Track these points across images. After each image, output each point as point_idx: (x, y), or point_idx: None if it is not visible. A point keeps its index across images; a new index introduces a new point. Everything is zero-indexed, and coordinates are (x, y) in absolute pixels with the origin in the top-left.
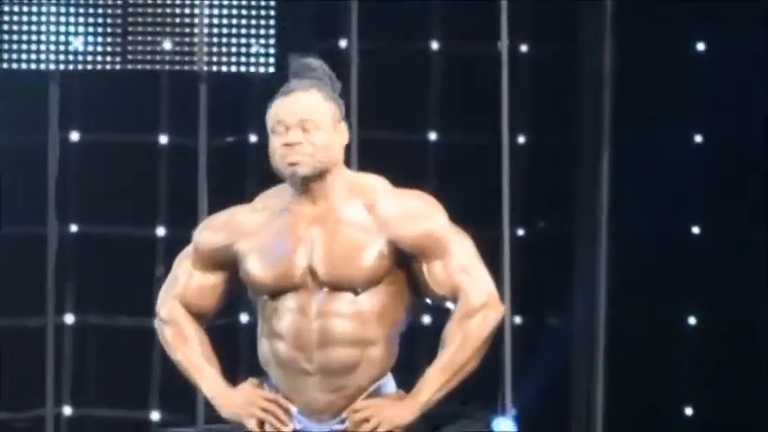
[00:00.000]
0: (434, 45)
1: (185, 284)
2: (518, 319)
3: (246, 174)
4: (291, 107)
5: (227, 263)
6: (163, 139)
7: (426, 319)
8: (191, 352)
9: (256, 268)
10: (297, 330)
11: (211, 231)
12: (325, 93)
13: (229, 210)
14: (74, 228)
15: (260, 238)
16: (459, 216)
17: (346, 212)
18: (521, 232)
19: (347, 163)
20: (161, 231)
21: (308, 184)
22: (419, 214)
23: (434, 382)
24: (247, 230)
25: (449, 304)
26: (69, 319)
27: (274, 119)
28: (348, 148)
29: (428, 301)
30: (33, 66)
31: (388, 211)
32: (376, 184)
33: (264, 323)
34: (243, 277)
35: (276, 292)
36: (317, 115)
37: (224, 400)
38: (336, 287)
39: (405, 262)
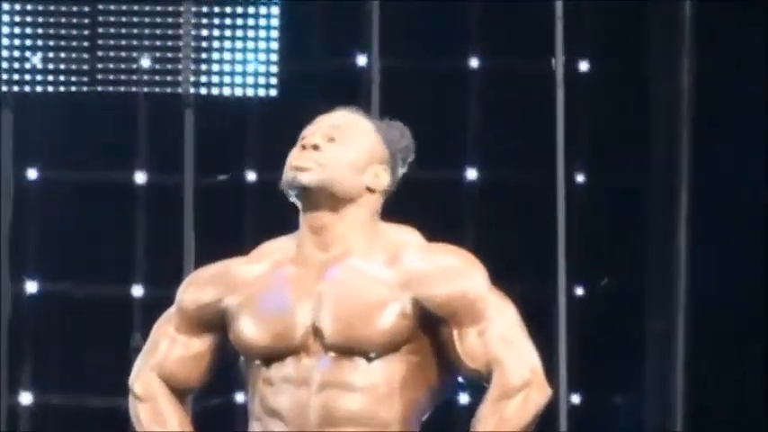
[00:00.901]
0: (473, 62)
1: (166, 352)
2: (576, 398)
3: (243, 219)
4: (327, 121)
5: (214, 323)
6: (140, 178)
7: (464, 399)
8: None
9: (248, 325)
10: (294, 406)
11: (197, 287)
12: (382, 132)
13: (221, 262)
14: (31, 287)
15: (255, 290)
16: (502, 271)
17: (364, 262)
18: (579, 291)
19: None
20: (138, 291)
21: (321, 223)
22: (453, 271)
23: None
24: (240, 283)
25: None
26: (26, 398)
27: (302, 133)
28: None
29: (459, 378)
30: None
31: (416, 266)
32: (406, 236)
33: (256, 398)
34: (232, 339)
35: (271, 357)
36: (350, 129)
37: None
38: (345, 351)
39: (432, 328)
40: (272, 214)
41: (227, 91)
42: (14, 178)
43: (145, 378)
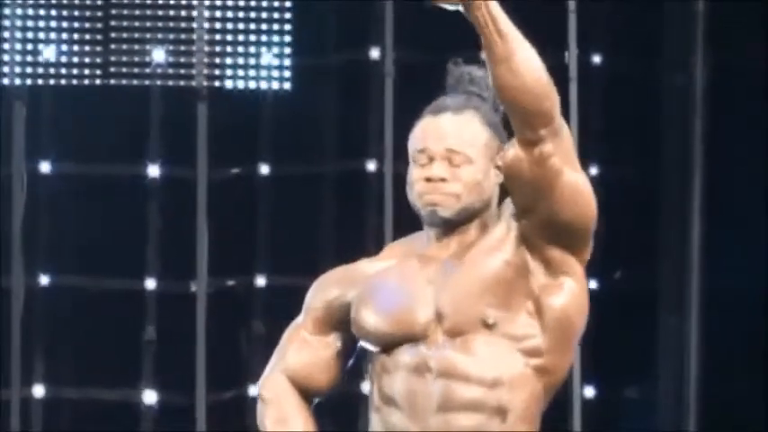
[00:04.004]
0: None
1: (295, 355)
2: (589, 392)
3: (257, 213)
4: (438, 132)
5: (343, 321)
6: (153, 171)
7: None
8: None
9: (369, 313)
10: (410, 393)
11: (324, 287)
12: (483, 115)
13: (338, 267)
14: (44, 280)
15: (376, 281)
16: None
17: (489, 246)
18: (593, 285)
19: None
20: (151, 284)
21: (452, 229)
22: None
23: None
24: (362, 277)
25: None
26: (39, 391)
27: (416, 145)
28: (381, 177)
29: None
30: None
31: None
32: None
33: (374, 387)
34: (354, 329)
35: (390, 345)
36: (470, 146)
37: None
38: (465, 329)
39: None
40: (285, 207)
41: (240, 84)
42: (27, 172)
43: (273, 380)
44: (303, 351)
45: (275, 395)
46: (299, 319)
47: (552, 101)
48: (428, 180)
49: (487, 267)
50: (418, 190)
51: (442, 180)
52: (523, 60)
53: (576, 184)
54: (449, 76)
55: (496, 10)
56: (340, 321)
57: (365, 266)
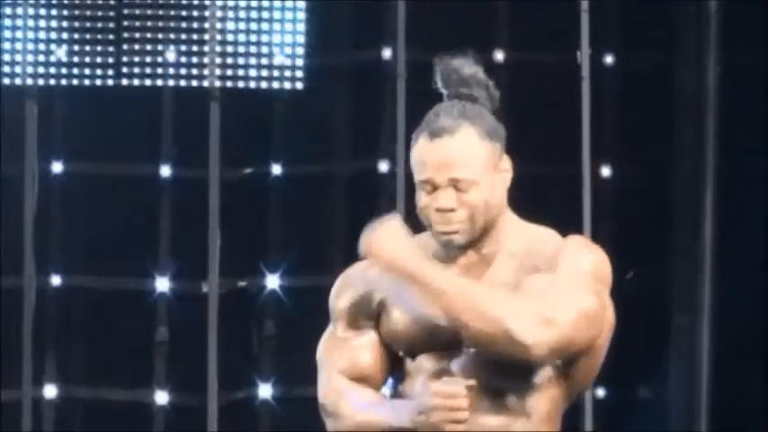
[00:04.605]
0: (499, 55)
1: (339, 359)
2: (601, 392)
3: (269, 213)
4: (439, 162)
5: (371, 316)
6: (165, 171)
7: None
8: (363, 409)
9: (400, 317)
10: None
11: (346, 287)
12: (480, 127)
13: (356, 265)
14: (56, 280)
15: (402, 287)
16: None
17: (511, 262)
18: None
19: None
20: (163, 284)
21: (470, 243)
22: (572, 251)
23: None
24: (387, 277)
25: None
26: (51, 391)
27: (418, 174)
28: (393, 178)
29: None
30: (6, 80)
31: (539, 248)
32: (537, 226)
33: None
34: (384, 332)
35: (416, 348)
36: (472, 169)
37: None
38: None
39: None
40: (297, 207)
41: (252, 84)
42: (39, 172)
43: (330, 389)
44: (345, 352)
45: (337, 398)
46: (330, 327)
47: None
48: (439, 210)
49: (505, 286)
50: (429, 219)
51: (452, 210)
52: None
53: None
54: (437, 75)
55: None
56: (370, 317)
57: (375, 268)
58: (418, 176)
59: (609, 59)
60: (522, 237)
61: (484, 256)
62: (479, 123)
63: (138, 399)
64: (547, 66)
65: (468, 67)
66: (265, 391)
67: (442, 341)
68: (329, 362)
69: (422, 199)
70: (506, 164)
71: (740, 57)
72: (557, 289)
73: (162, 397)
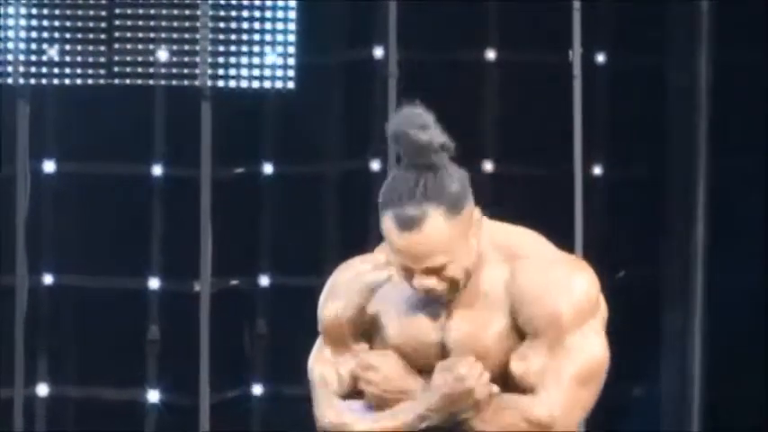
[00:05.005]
0: (491, 54)
1: (333, 381)
2: None
3: (260, 211)
4: (413, 254)
5: (364, 333)
6: (157, 170)
7: None
8: (372, 417)
9: (392, 336)
10: None
11: (335, 297)
12: (444, 205)
13: (348, 267)
14: (48, 279)
15: (394, 299)
16: None
17: (486, 280)
18: None
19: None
20: (154, 283)
21: None
22: (553, 288)
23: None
24: (378, 290)
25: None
26: (43, 390)
27: (393, 255)
28: (385, 177)
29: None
30: None
31: (524, 285)
32: (525, 242)
33: None
34: (377, 348)
35: (412, 365)
36: (446, 254)
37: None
38: None
39: None
40: (288, 206)
41: (244, 83)
42: (31, 171)
43: (331, 410)
44: (335, 375)
45: (345, 422)
46: (319, 340)
47: None
48: (426, 293)
49: (484, 332)
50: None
51: (437, 293)
52: None
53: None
54: (394, 144)
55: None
56: (359, 336)
57: (374, 276)
58: (392, 256)
59: (600, 58)
60: (497, 245)
61: (467, 293)
62: (443, 200)
63: (130, 398)
64: (538, 65)
65: (422, 133)
66: (257, 389)
67: (427, 362)
68: (322, 383)
69: (401, 273)
70: (476, 215)
71: (732, 56)
72: (550, 366)
73: (154, 396)
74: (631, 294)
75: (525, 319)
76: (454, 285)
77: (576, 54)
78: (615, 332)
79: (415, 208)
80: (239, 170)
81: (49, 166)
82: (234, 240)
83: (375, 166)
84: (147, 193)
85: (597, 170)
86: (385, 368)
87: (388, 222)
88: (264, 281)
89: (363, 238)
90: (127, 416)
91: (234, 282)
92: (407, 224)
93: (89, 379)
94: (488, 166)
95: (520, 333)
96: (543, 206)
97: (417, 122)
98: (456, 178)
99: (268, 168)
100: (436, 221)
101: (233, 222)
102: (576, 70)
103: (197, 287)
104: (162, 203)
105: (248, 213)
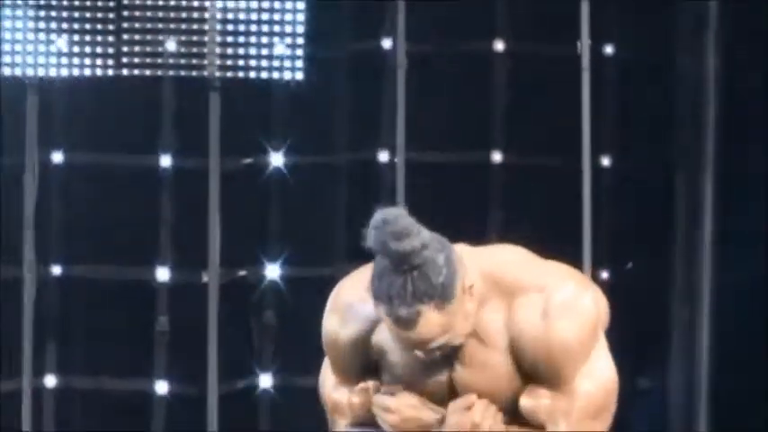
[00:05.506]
0: (499, 45)
1: (351, 408)
2: None
3: (269, 203)
4: (412, 344)
5: (371, 363)
6: (165, 161)
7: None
8: None
9: (402, 374)
10: None
11: (343, 320)
12: (436, 299)
13: (351, 288)
14: (56, 270)
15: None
16: None
17: (486, 319)
18: (605, 275)
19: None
20: (163, 275)
21: None
22: (553, 327)
23: None
24: (381, 323)
25: None
26: (51, 381)
27: (398, 343)
28: (393, 168)
29: None
30: (7, 70)
31: (524, 328)
32: (517, 273)
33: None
34: (383, 377)
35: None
36: (444, 337)
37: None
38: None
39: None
40: (296, 197)
41: (252, 74)
42: (39, 162)
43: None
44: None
45: None
46: (325, 362)
47: None
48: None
49: (491, 374)
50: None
51: (437, 359)
52: None
53: None
54: (382, 257)
55: None
56: (366, 367)
57: (360, 305)
58: (394, 338)
59: (609, 50)
60: (486, 277)
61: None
62: (433, 295)
63: (139, 388)
64: (547, 56)
65: (404, 242)
66: (265, 380)
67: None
68: (335, 410)
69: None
70: (468, 282)
71: (741, 47)
72: (560, 405)
73: (162, 387)
74: (640, 285)
75: (528, 360)
76: (459, 340)
77: (584, 45)
78: (623, 323)
79: (406, 309)
80: (248, 161)
81: (57, 157)
82: (242, 231)
83: (383, 156)
84: (155, 183)
85: (605, 161)
86: (403, 410)
87: (383, 314)
88: (273, 272)
89: None
90: (135, 407)
91: (242, 272)
92: (402, 323)
93: (97, 370)
94: (497, 156)
95: (524, 371)
96: (551, 197)
97: (397, 231)
98: (442, 266)
99: (276, 159)
100: (429, 316)
101: (241, 213)
102: (585, 62)
103: (205, 278)
104: (170, 194)
105: (256, 204)
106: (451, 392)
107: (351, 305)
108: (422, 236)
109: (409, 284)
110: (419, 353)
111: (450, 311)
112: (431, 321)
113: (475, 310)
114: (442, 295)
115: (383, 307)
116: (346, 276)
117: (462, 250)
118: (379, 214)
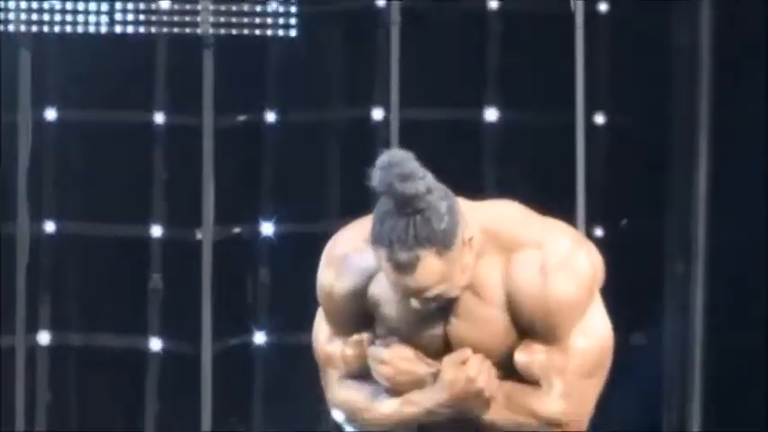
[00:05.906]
0: (493, 3)
1: (339, 365)
2: None
3: (262, 160)
4: (410, 290)
5: (366, 317)
6: (159, 118)
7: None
8: (389, 416)
9: (397, 327)
10: None
11: (339, 274)
12: (436, 245)
13: (345, 241)
14: (50, 226)
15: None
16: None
17: (484, 273)
18: (599, 232)
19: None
20: (156, 231)
21: None
22: (550, 284)
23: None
24: (376, 275)
25: None
26: (44, 338)
27: (393, 285)
28: (387, 125)
29: None
30: (0, 28)
31: (521, 283)
32: (515, 228)
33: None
34: (378, 330)
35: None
36: (442, 284)
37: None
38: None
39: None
40: (291, 154)
41: (246, 30)
42: (33, 119)
43: (341, 393)
44: (341, 361)
45: (355, 410)
46: (319, 315)
47: None
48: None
49: (486, 329)
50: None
51: (439, 304)
52: None
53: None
54: (385, 198)
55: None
56: (361, 321)
57: (366, 255)
58: (389, 278)
59: (603, 7)
60: (484, 232)
61: (466, 289)
62: (434, 240)
63: (132, 345)
64: (540, 14)
65: (408, 183)
66: (260, 338)
67: (428, 354)
68: (328, 363)
69: (396, 292)
70: (468, 235)
71: (735, 11)
72: (555, 361)
73: (156, 344)
74: (634, 243)
75: (525, 317)
76: (457, 291)
77: (578, 3)
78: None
79: (407, 253)
80: (241, 118)
81: (50, 114)
82: (236, 188)
83: (378, 114)
84: (148, 141)
85: (600, 119)
86: (397, 362)
87: (382, 260)
88: (267, 229)
89: (366, 186)
90: (129, 364)
91: (236, 230)
92: (401, 268)
93: (91, 327)
94: (491, 114)
95: (520, 326)
96: (546, 156)
97: (404, 173)
98: (444, 213)
99: (270, 116)
100: (429, 262)
101: (235, 170)
102: (579, 20)
103: (199, 235)
104: (164, 151)
105: (250, 161)
106: (446, 346)
107: (346, 256)
108: (427, 180)
109: (411, 228)
110: (415, 302)
111: (449, 259)
112: (430, 268)
113: (473, 264)
114: (442, 242)
115: (383, 251)
116: (342, 228)
117: (461, 204)
118: (386, 156)
